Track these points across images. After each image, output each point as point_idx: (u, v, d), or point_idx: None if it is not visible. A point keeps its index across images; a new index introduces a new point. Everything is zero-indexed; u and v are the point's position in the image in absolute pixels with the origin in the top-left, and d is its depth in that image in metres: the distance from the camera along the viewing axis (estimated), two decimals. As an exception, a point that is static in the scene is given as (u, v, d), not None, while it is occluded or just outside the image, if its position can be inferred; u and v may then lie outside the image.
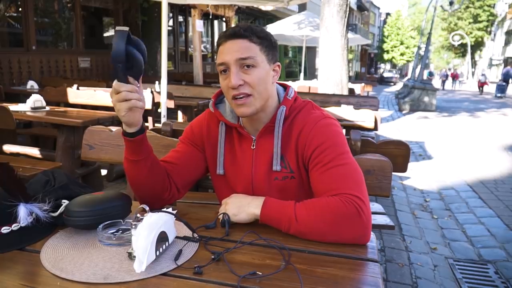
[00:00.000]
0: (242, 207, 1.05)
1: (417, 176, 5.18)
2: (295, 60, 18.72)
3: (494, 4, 41.39)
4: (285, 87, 1.23)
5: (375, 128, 3.37)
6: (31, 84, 5.35)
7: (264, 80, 1.11)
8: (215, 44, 1.26)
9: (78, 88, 4.32)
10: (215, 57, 1.25)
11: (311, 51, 17.17)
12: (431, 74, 29.96)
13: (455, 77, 31.19)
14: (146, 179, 1.11)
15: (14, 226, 0.96)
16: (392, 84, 34.76)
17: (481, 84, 23.75)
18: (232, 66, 1.08)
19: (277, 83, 1.23)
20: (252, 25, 1.13)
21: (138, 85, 1.01)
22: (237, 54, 1.07)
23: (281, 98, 1.20)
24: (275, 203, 1.04)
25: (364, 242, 0.98)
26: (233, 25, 1.60)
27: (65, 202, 1.05)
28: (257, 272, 0.83)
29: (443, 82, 29.73)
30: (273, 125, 1.15)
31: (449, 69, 31.80)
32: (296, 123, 1.15)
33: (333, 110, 3.34)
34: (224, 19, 9.93)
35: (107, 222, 1.01)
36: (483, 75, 24.86)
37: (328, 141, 1.09)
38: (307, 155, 1.12)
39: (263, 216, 1.03)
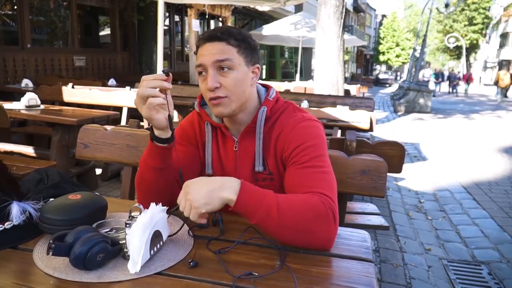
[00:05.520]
0: (213, 192, 0.91)
1: (412, 177, 5.20)
2: (291, 61, 18.71)
3: (489, 7, 41.69)
4: (267, 88, 1.22)
5: (371, 129, 3.37)
6: (26, 82, 5.32)
7: (242, 83, 1.10)
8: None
9: (73, 87, 4.30)
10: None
11: (307, 52, 17.15)
12: (437, 76, 24.01)
13: (469, 79, 23.80)
14: (164, 186, 1.08)
15: (7, 225, 0.96)
16: (387, 85, 34.85)
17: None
18: (209, 68, 1.07)
19: (259, 83, 1.22)
20: (231, 27, 1.12)
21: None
22: (214, 56, 1.06)
23: (262, 98, 1.18)
24: (254, 188, 0.94)
25: (329, 248, 0.95)
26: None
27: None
28: (253, 273, 0.83)
29: (454, 85, 23.91)
30: (254, 125, 1.14)
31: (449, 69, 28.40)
32: (277, 125, 1.15)
33: (328, 110, 3.35)
34: (220, 19, 9.91)
35: (100, 222, 1.00)
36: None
37: (307, 142, 1.08)
38: (286, 155, 1.11)
39: (239, 203, 0.91)
